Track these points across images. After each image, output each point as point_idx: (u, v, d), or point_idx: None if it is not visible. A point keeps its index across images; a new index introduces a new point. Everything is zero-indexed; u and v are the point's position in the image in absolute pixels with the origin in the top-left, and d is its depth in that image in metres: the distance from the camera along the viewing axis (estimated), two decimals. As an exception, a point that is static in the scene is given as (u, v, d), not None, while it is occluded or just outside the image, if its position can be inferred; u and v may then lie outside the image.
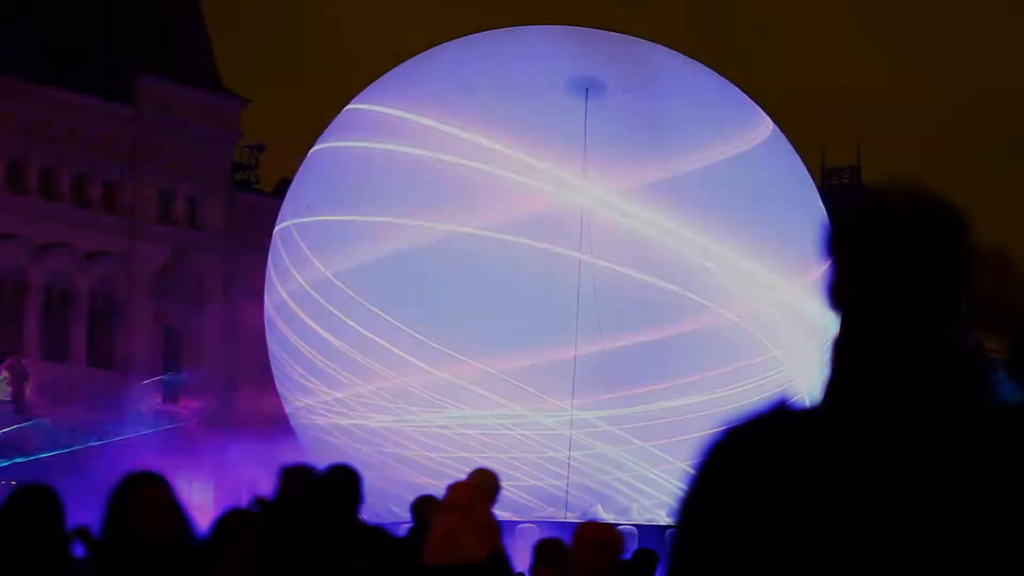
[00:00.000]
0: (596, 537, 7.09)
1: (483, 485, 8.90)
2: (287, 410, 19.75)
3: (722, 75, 19.82)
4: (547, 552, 8.17)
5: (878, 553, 2.04)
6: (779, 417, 2.15)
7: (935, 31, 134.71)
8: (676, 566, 2.13)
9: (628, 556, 13.57)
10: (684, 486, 2.16)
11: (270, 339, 19.75)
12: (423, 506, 9.67)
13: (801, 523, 2.05)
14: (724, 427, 2.15)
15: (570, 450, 16.83)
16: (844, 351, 2.17)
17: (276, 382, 19.98)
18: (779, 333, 17.79)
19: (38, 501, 5.41)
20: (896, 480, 2.07)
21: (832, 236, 2.24)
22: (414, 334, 17.16)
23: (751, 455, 2.12)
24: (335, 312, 17.80)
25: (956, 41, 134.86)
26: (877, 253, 2.17)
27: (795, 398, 2.18)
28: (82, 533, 6.43)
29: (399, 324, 17.25)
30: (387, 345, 17.31)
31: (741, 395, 16.99)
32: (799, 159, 19.72)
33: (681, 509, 2.14)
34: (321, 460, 17.73)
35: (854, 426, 2.11)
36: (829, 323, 2.25)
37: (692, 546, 2.12)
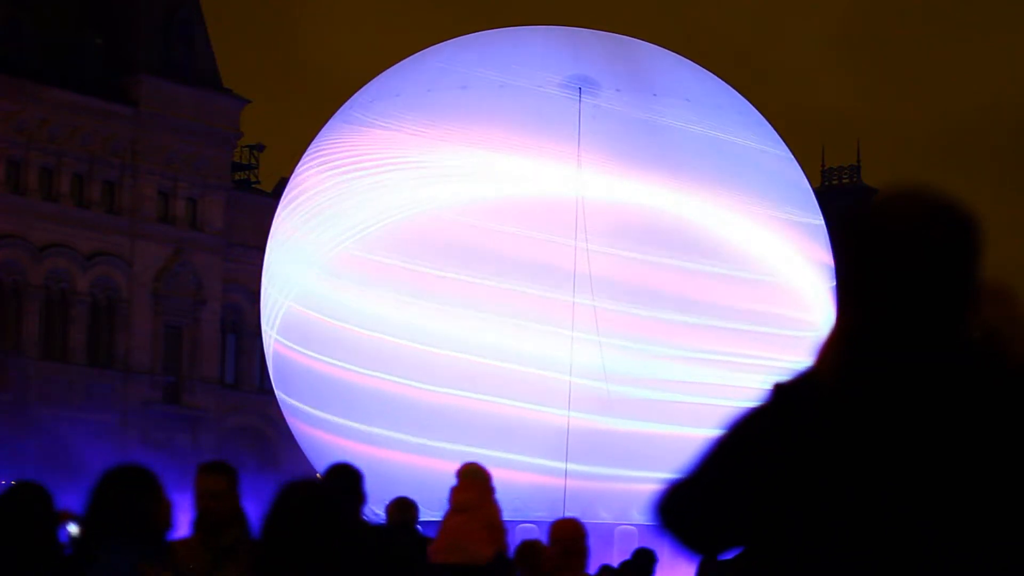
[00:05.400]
0: (553, 528, 7.22)
1: (483, 483, 8.93)
2: (283, 409, 19.75)
3: (721, 77, 19.85)
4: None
5: (900, 504, 2.16)
6: (813, 386, 2.26)
7: (921, 48, 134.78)
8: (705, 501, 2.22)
9: (629, 556, 13.62)
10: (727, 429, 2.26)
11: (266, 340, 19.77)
12: (396, 509, 9.68)
13: (842, 473, 2.18)
14: (771, 384, 2.27)
15: (567, 452, 16.83)
16: (859, 342, 2.22)
17: (273, 383, 19.98)
18: (795, 325, 17.74)
19: (30, 498, 5.43)
20: (913, 440, 2.18)
21: (843, 240, 2.28)
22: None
23: (797, 412, 2.24)
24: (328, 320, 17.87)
25: (939, 57, 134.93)
26: (887, 257, 2.19)
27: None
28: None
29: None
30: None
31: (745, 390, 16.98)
32: (794, 160, 19.72)
33: (723, 452, 2.24)
34: (319, 460, 17.78)
35: (880, 398, 2.20)
36: (833, 314, 2.29)
37: (727, 486, 2.21)
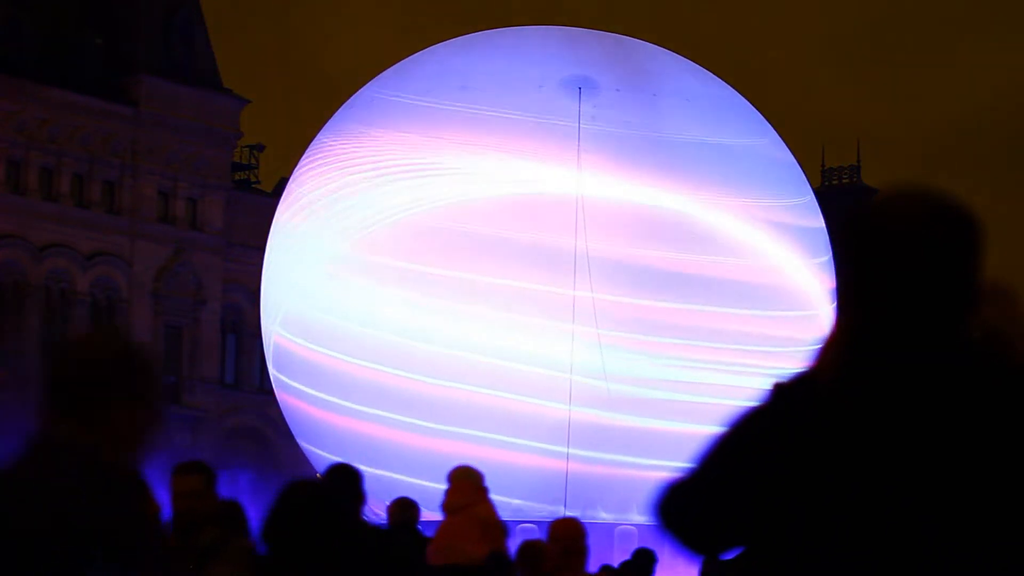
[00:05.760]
0: (553, 528, 7.26)
1: (474, 484, 8.94)
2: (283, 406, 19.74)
3: (720, 77, 19.84)
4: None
5: (901, 504, 2.17)
6: (813, 385, 2.26)
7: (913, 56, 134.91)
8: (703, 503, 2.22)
9: (629, 556, 13.63)
10: (729, 426, 2.27)
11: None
12: (397, 509, 9.70)
13: (839, 472, 2.19)
14: (771, 385, 2.27)
15: (568, 449, 16.85)
16: (859, 342, 2.22)
17: (273, 381, 19.96)
18: (798, 325, 17.71)
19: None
20: (912, 439, 2.19)
21: (843, 240, 2.28)
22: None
23: (797, 412, 2.25)
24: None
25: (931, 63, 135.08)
26: (887, 257, 2.20)
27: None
28: None
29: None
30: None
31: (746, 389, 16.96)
32: (793, 157, 19.72)
33: (721, 452, 2.24)
34: (317, 456, 17.79)
35: (879, 398, 2.21)
36: (834, 312, 2.30)
37: (728, 486, 2.21)
